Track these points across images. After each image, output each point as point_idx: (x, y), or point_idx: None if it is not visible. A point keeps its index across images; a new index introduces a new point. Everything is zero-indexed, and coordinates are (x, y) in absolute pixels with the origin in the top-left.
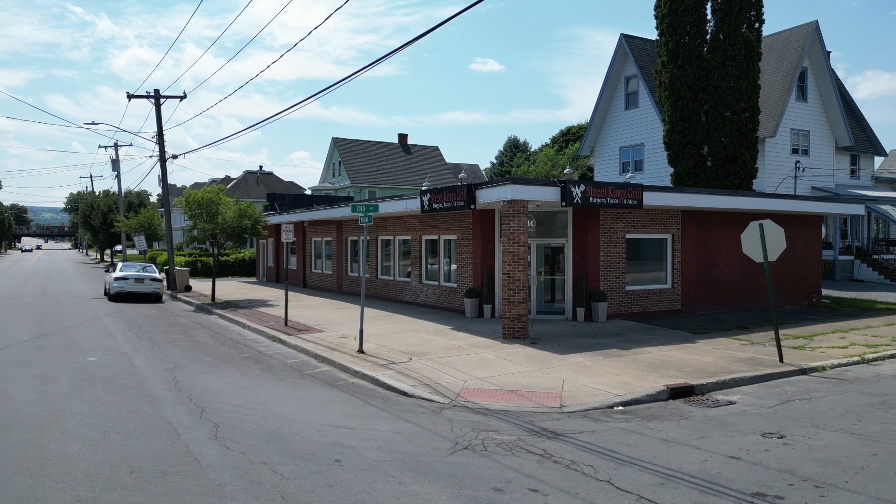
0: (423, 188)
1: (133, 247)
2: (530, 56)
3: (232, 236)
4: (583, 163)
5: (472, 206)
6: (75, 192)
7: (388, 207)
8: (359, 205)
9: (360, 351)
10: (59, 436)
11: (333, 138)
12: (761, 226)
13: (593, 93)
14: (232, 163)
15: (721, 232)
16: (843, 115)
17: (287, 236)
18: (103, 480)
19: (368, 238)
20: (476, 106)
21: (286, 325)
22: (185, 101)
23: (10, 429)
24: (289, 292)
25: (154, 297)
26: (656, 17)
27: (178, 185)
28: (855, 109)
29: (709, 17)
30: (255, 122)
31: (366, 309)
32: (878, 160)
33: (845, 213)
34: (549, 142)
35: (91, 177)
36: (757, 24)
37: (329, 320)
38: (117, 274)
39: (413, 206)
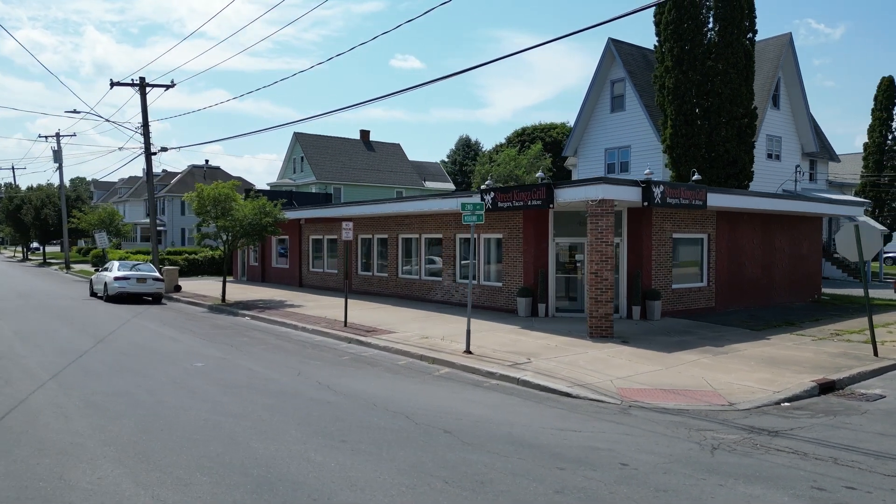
0: (485, 186)
1: (86, 243)
2: (449, 55)
3: (250, 234)
4: (545, 163)
5: (551, 206)
6: None
7: (434, 206)
8: (467, 204)
9: (468, 352)
10: (302, 446)
11: (295, 133)
12: (857, 227)
13: (511, 94)
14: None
15: (747, 232)
16: (811, 123)
17: (347, 234)
18: (436, 494)
19: (387, 236)
20: (396, 103)
21: (346, 325)
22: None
23: (242, 441)
24: (290, 292)
25: (156, 298)
26: (657, 23)
27: (115, 179)
28: (812, 118)
29: (709, 25)
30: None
31: (404, 309)
32: (832, 165)
33: (849, 215)
34: (503, 142)
35: (13, 168)
36: (750, 35)
37: (382, 320)
38: (117, 273)
39: None
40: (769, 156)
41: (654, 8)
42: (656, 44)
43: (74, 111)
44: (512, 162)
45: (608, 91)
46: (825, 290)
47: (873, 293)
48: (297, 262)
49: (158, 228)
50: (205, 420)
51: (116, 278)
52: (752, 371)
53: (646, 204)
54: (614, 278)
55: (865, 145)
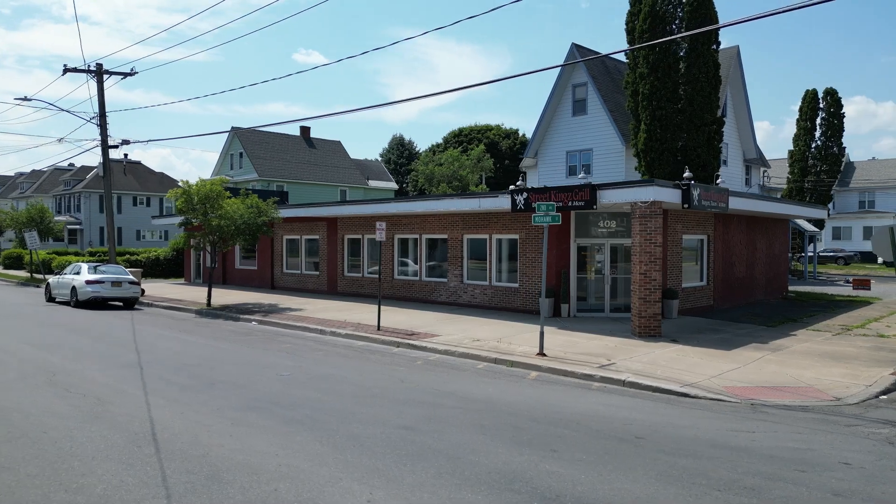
0: (514, 187)
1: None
2: (354, 52)
3: (244, 234)
4: (486, 165)
5: (594, 207)
6: None
7: (452, 205)
8: (542, 204)
9: (542, 354)
10: (521, 457)
11: (233, 128)
12: (891, 229)
13: (416, 94)
14: (29, 153)
15: (736, 233)
16: (753, 131)
17: (381, 235)
18: None
19: (369, 238)
20: (298, 98)
21: (378, 329)
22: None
23: (456, 455)
24: (268, 294)
25: (129, 303)
26: (629, 31)
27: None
28: (753, 126)
29: (677, 33)
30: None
31: (414, 311)
32: (763, 171)
33: (816, 217)
34: (441, 142)
35: None
36: (714, 45)
37: (409, 323)
38: (89, 277)
39: (490, 204)
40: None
41: (625, 17)
42: (628, 51)
43: (25, 98)
44: (456, 162)
45: (570, 95)
46: (795, 288)
47: (828, 290)
48: (268, 263)
49: (74, 227)
50: (383, 434)
51: (88, 282)
52: (824, 366)
53: (686, 206)
54: (628, 278)
55: (791, 153)
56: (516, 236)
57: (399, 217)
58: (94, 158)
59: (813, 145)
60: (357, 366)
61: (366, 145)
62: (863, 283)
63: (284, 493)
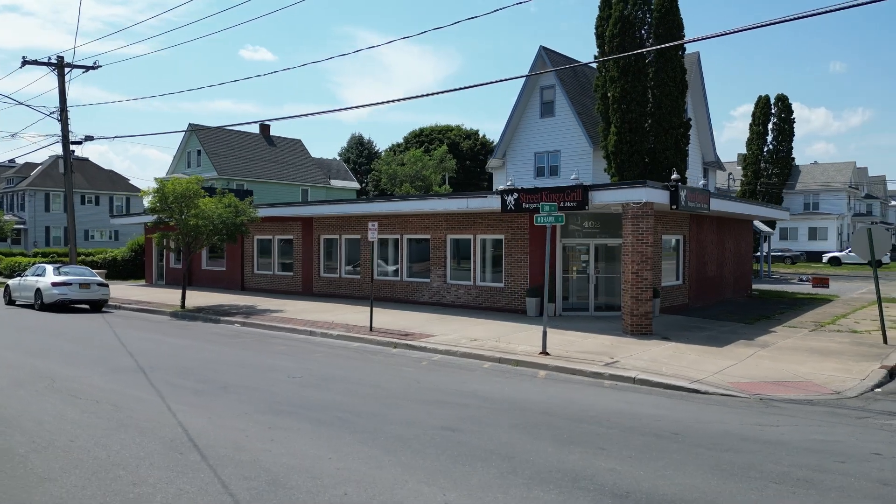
0: (504, 187)
1: None
2: (303, 49)
3: (222, 233)
4: (449, 165)
5: (586, 208)
6: None
7: (440, 205)
8: (545, 205)
9: (545, 353)
10: (568, 456)
11: (191, 124)
12: (869, 230)
13: (368, 93)
14: None
15: (709, 233)
16: (712, 135)
17: (372, 235)
18: (784, 496)
19: (360, 237)
20: (247, 96)
21: (371, 330)
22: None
23: (514, 455)
24: (241, 296)
25: (97, 306)
26: (598, 35)
27: None
28: (712, 131)
29: (650, 41)
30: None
31: (398, 311)
32: (720, 174)
33: (779, 218)
34: (401, 142)
35: None
36: (680, 52)
37: (400, 323)
38: (55, 279)
39: (478, 204)
40: None
41: (595, 21)
42: (596, 54)
43: None
44: (419, 163)
45: (538, 97)
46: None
47: (787, 289)
48: (238, 263)
49: (18, 227)
50: (426, 435)
51: (55, 284)
52: (816, 362)
53: (674, 207)
54: (612, 277)
55: (744, 157)
56: (501, 236)
57: (379, 217)
58: (37, 156)
59: (765, 149)
60: (363, 367)
61: (321, 143)
62: (822, 282)
63: (355, 496)
